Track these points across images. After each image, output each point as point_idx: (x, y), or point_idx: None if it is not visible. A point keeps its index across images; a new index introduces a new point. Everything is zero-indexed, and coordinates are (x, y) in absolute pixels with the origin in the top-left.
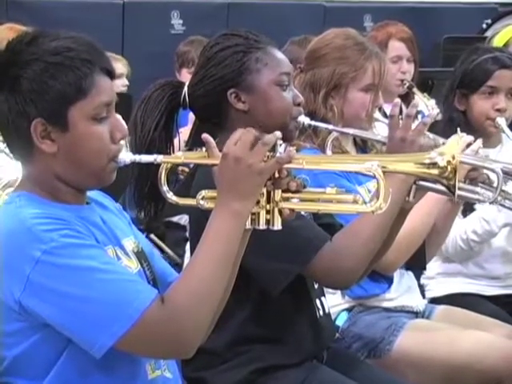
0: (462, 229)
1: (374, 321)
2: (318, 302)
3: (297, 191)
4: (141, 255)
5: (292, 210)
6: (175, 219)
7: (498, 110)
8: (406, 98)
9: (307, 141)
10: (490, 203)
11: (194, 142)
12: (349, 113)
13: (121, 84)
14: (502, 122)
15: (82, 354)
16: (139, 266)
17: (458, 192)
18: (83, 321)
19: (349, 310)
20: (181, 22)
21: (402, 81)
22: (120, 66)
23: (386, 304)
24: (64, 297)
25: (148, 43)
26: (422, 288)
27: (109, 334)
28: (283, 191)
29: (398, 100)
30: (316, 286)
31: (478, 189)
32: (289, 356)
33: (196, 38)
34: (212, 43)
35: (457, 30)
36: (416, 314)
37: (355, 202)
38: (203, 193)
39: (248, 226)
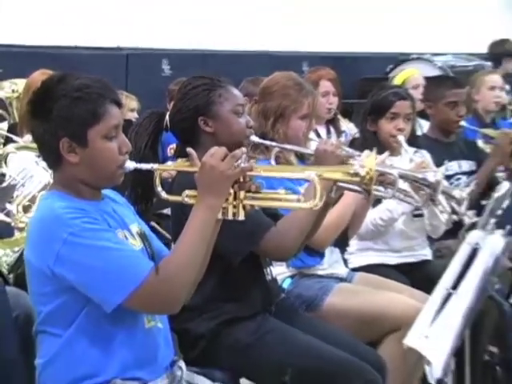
0: (372, 216)
1: (311, 284)
2: (268, 269)
3: (256, 192)
4: (143, 236)
5: (252, 206)
6: (165, 211)
7: (399, 130)
8: (333, 121)
9: (261, 154)
10: (389, 198)
11: (179, 155)
12: (290, 135)
13: (133, 116)
14: (401, 138)
15: (97, 311)
16: (142, 244)
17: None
18: (99, 285)
19: (292, 276)
20: (169, 67)
21: (330, 109)
22: (134, 103)
23: (319, 272)
24: (85, 267)
25: (145, 83)
26: (345, 261)
27: (118, 295)
28: (246, 191)
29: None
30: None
31: (382, 189)
32: (246, 310)
33: (182, 79)
34: (186, 83)
35: (369, 72)
36: (341, 280)
37: (299, 200)
38: (187, 192)
39: (220, 216)
